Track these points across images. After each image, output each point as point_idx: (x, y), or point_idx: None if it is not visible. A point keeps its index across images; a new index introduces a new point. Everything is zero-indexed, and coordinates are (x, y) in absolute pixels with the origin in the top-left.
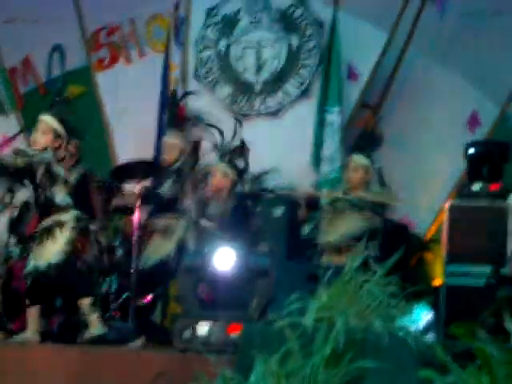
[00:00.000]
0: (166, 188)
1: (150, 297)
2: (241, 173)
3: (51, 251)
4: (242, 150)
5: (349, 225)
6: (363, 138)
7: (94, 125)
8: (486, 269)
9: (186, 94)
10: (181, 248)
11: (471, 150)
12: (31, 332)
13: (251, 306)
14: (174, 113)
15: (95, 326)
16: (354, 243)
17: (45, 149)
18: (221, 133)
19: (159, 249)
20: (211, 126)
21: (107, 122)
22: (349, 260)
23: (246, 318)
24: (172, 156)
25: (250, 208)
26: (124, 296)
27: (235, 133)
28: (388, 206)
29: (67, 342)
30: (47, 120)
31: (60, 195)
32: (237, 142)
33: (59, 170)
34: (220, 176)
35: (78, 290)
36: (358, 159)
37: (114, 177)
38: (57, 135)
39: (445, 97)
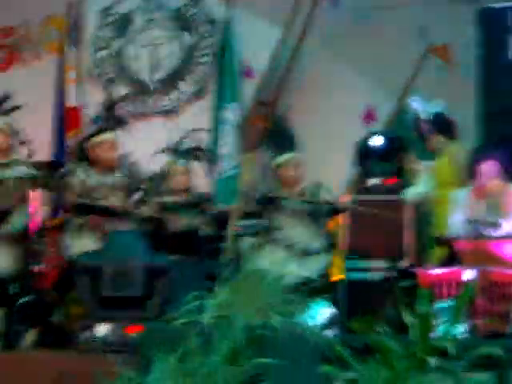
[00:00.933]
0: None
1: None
2: None
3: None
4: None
5: None
6: (281, 137)
7: None
8: (384, 263)
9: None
10: None
11: (366, 144)
12: None
13: (149, 305)
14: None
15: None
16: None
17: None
18: None
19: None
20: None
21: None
22: (247, 256)
23: (145, 317)
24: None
25: None
26: (25, 299)
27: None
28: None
29: None
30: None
31: None
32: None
33: None
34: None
35: None
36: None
37: None
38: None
39: (340, 92)
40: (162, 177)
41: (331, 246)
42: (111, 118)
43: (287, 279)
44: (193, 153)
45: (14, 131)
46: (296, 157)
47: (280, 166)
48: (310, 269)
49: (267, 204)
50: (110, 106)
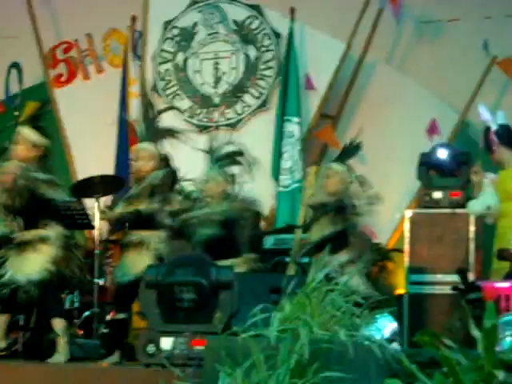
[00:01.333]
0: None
1: (113, 312)
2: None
3: (33, 266)
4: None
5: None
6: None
7: (53, 141)
8: (450, 277)
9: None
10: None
11: (432, 157)
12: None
13: (214, 319)
14: (149, 125)
15: (63, 351)
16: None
17: (25, 160)
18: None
19: (136, 263)
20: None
21: (66, 137)
22: (312, 270)
23: (210, 331)
24: (147, 165)
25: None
26: (87, 313)
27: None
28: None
29: (33, 359)
30: (22, 131)
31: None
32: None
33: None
34: (212, 183)
35: (54, 311)
36: (335, 166)
37: (74, 193)
38: (35, 145)
39: (403, 105)
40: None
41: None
42: (152, 130)
43: (352, 293)
44: (232, 157)
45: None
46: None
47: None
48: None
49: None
50: (151, 118)
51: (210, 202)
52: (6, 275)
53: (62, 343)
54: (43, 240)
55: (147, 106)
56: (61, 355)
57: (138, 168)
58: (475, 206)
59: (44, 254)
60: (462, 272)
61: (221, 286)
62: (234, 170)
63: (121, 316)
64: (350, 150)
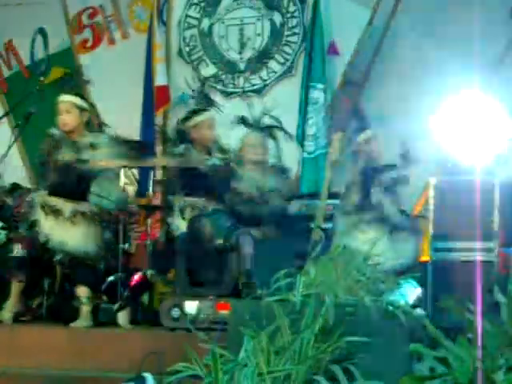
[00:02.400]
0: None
1: (137, 277)
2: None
3: (73, 237)
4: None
5: None
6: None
7: None
8: (474, 244)
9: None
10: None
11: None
12: (12, 305)
13: (240, 283)
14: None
15: (86, 318)
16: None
17: (74, 129)
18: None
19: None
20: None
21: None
22: (337, 236)
23: (235, 295)
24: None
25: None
26: (112, 278)
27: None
28: None
29: (55, 323)
30: (66, 99)
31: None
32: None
33: None
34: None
35: (80, 278)
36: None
37: None
38: (81, 109)
39: (430, 71)
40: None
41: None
42: (203, 98)
43: (377, 258)
44: (269, 130)
45: (84, 108)
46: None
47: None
48: (400, 249)
49: (372, 175)
50: (201, 86)
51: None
52: (50, 242)
53: (84, 311)
54: (82, 215)
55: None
56: (83, 321)
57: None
58: (502, 173)
59: (82, 228)
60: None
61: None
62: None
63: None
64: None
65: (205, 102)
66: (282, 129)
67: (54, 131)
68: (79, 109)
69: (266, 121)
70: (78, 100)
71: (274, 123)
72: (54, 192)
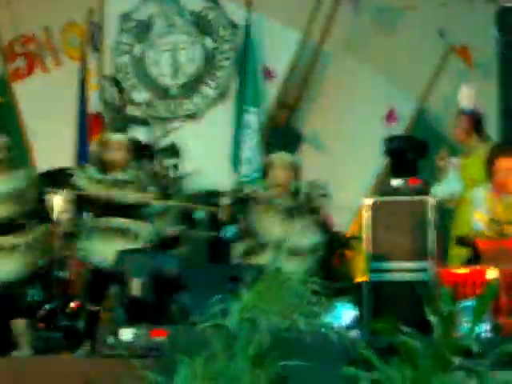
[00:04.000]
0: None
1: (75, 304)
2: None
3: (12, 265)
4: (172, 149)
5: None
6: (283, 136)
7: (13, 135)
8: (409, 264)
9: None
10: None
11: (390, 145)
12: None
13: (174, 309)
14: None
15: (24, 348)
16: None
17: None
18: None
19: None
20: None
21: (26, 130)
22: (270, 259)
23: (170, 321)
24: (120, 155)
25: None
26: (48, 306)
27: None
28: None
29: None
30: None
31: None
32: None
33: None
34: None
35: (15, 311)
36: (286, 157)
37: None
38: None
39: (362, 94)
40: None
41: (328, 244)
42: (119, 119)
43: (310, 281)
44: (170, 151)
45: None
46: (286, 158)
47: (270, 166)
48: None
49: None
50: (118, 107)
51: None
52: None
53: (22, 341)
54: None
55: (118, 92)
56: (24, 351)
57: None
58: (439, 191)
59: (20, 255)
60: (419, 259)
61: (180, 277)
62: (170, 162)
63: (94, 308)
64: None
65: (121, 124)
66: (180, 147)
67: None
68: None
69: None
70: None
71: (173, 142)
72: None
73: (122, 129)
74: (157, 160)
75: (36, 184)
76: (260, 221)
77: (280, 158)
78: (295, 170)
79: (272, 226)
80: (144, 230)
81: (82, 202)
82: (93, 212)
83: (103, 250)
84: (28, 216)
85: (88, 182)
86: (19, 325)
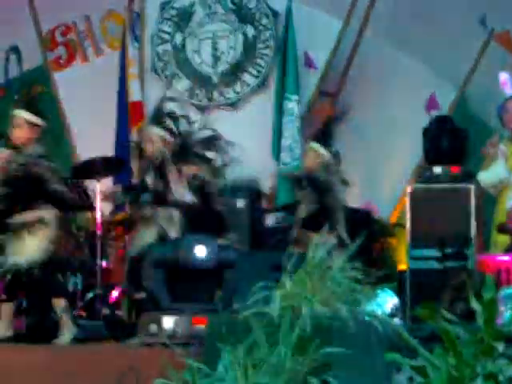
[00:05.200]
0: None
1: (116, 293)
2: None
3: (32, 248)
4: (210, 140)
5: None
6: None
7: (54, 124)
8: (450, 251)
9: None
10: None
11: (431, 131)
12: (5, 328)
13: (216, 297)
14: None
15: (68, 328)
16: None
17: (25, 143)
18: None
19: (143, 238)
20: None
21: (66, 120)
22: (312, 247)
23: (211, 310)
24: (156, 147)
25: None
26: (90, 294)
27: (202, 124)
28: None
29: (38, 342)
30: (19, 114)
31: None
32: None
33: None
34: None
35: (54, 290)
36: (317, 147)
37: (74, 175)
38: (32, 126)
39: (402, 81)
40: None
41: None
42: (162, 113)
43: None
44: (207, 143)
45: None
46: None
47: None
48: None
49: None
50: (161, 101)
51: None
52: (7, 261)
53: (64, 322)
54: (39, 222)
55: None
56: (65, 335)
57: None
58: (486, 179)
59: (41, 236)
60: (461, 247)
61: (224, 266)
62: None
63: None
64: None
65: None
66: (222, 139)
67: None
68: (28, 125)
69: (206, 133)
70: (26, 116)
71: (212, 134)
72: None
73: (159, 122)
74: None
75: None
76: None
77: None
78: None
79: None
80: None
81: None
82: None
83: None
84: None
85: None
86: (60, 304)
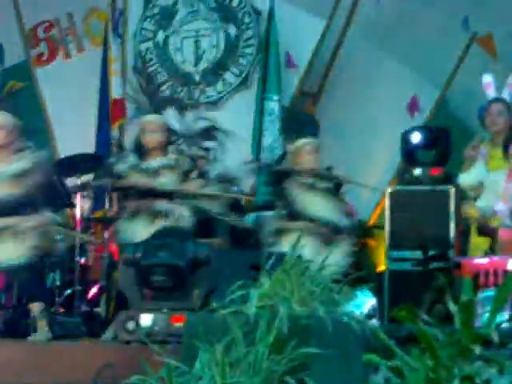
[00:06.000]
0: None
1: (95, 290)
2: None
3: (15, 250)
4: (208, 131)
5: None
6: (302, 122)
7: (35, 120)
8: (430, 253)
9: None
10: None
11: (413, 136)
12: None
13: (193, 295)
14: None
15: (42, 331)
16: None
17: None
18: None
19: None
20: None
21: (48, 116)
22: (291, 247)
23: (189, 307)
24: (157, 137)
25: None
26: (68, 291)
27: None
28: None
29: (12, 337)
30: None
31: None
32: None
33: None
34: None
35: (32, 294)
36: (315, 142)
37: (55, 171)
38: (9, 129)
39: (384, 82)
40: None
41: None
42: (156, 101)
43: (330, 268)
44: (206, 133)
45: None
46: (312, 143)
47: (296, 151)
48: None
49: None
50: (153, 90)
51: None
52: None
53: (40, 325)
54: (23, 225)
55: (147, 79)
56: (41, 335)
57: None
58: (466, 180)
59: (24, 240)
60: (440, 248)
61: (198, 263)
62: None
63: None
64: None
65: (157, 105)
66: (219, 128)
67: None
68: (7, 128)
69: (202, 124)
70: (6, 119)
71: (209, 124)
72: None
73: (158, 110)
74: (193, 144)
75: (45, 167)
76: (304, 200)
77: (309, 143)
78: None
79: (317, 205)
80: (183, 212)
81: (122, 189)
82: (135, 196)
83: (144, 233)
84: (36, 199)
85: (129, 169)
86: (36, 308)
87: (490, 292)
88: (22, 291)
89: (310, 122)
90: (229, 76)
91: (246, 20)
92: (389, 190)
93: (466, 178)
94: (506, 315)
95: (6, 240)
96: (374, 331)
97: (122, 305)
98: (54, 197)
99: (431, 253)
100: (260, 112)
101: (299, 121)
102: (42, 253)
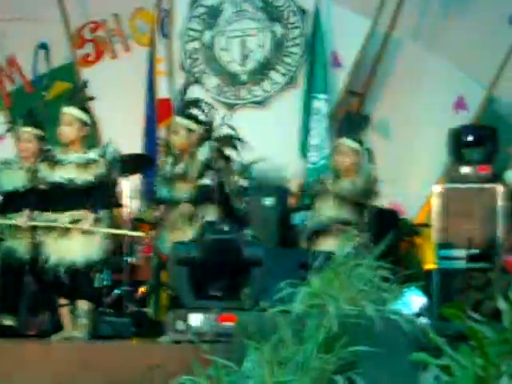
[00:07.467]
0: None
1: (142, 289)
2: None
3: (77, 249)
4: (230, 138)
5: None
6: (349, 121)
7: None
8: (478, 251)
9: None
10: None
11: (461, 134)
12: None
13: (244, 295)
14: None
15: (82, 330)
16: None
17: (72, 142)
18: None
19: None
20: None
21: (94, 116)
22: (339, 246)
23: (239, 307)
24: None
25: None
26: (117, 291)
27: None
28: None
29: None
30: (70, 111)
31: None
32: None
33: None
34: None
35: (83, 292)
36: (348, 143)
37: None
38: (82, 124)
39: (431, 81)
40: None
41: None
42: (186, 103)
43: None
44: (226, 141)
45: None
46: (348, 144)
47: (333, 151)
48: None
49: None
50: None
51: None
52: (49, 260)
53: (82, 323)
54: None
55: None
56: (79, 333)
57: (174, 142)
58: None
59: (90, 237)
60: (489, 247)
61: (251, 263)
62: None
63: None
64: (360, 123)
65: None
66: (238, 138)
67: (49, 147)
68: (80, 122)
69: (224, 131)
70: (80, 114)
71: (232, 133)
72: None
73: (183, 112)
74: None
75: (113, 163)
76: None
77: (341, 143)
78: (358, 155)
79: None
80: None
81: None
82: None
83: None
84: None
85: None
86: (84, 306)
87: None
88: (72, 289)
89: (362, 121)
90: (275, 75)
91: (292, 19)
92: (437, 189)
93: (511, 175)
94: None
95: (74, 237)
96: (423, 329)
97: (172, 304)
98: (110, 195)
99: (479, 251)
100: (307, 111)
101: (353, 121)
102: (110, 251)
